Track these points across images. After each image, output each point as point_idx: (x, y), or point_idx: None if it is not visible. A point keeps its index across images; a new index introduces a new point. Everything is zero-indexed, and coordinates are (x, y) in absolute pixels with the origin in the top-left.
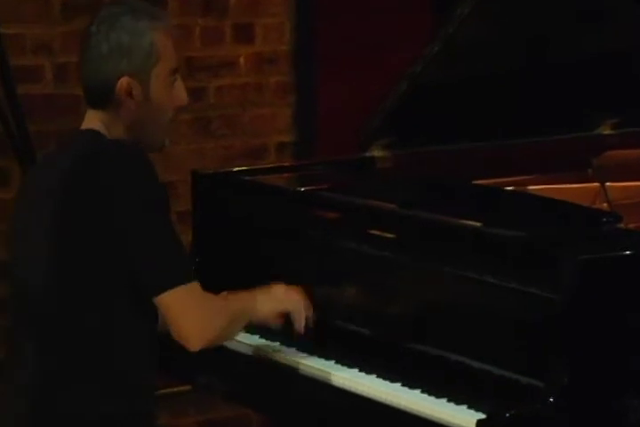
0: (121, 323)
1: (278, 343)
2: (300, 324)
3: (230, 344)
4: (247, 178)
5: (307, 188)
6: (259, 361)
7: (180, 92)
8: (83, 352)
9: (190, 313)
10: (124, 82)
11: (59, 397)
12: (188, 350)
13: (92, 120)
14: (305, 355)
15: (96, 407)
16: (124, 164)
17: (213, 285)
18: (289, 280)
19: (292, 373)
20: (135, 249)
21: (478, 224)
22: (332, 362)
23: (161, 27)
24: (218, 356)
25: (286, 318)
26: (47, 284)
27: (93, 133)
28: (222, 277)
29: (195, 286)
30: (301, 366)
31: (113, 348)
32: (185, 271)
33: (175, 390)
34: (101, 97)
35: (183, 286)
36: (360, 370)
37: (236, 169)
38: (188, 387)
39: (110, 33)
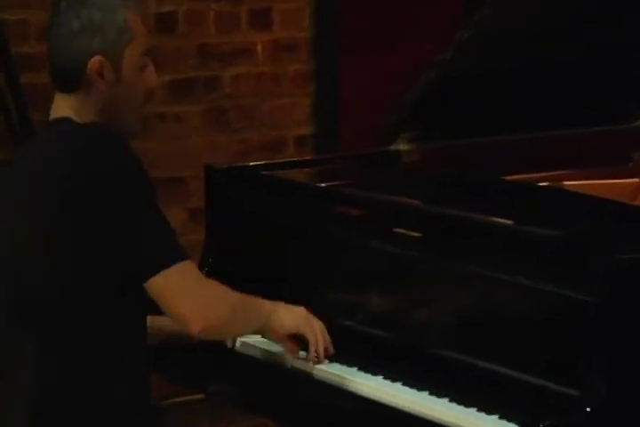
0: (120, 318)
1: (297, 350)
2: (314, 348)
3: (245, 349)
4: (264, 173)
5: (328, 183)
6: (276, 367)
7: (151, 75)
8: (83, 350)
9: (186, 291)
10: (95, 61)
11: (59, 396)
12: (191, 334)
13: (61, 107)
14: (326, 361)
15: (96, 406)
16: (105, 150)
17: (227, 285)
18: (308, 282)
19: (313, 380)
20: (123, 237)
21: (510, 222)
22: (355, 369)
23: (132, 5)
24: (231, 362)
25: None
26: (41, 283)
27: (66, 122)
28: (237, 278)
29: (187, 265)
30: (322, 373)
31: (112, 344)
32: (172, 252)
33: (186, 399)
34: (71, 78)
35: (174, 267)
36: (385, 377)
37: (253, 164)
38: (200, 396)
39: (81, 10)
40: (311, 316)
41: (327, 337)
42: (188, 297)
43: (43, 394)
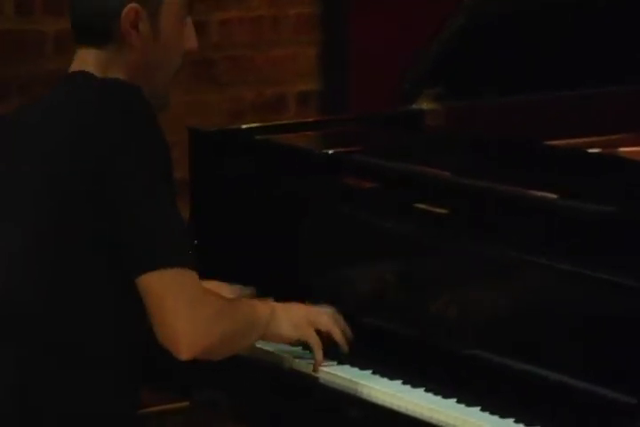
0: (111, 317)
1: (300, 348)
2: (319, 359)
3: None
4: (260, 138)
5: (335, 150)
6: (276, 370)
7: (192, 34)
8: (69, 351)
9: (181, 303)
10: (131, 10)
11: (45, 398)
12: (176, 357)
13: (84, 61)
14: (334, 363)
15: (83, 407)
16: (122, 114)
17: (215, 275)
18: (312, 268)
19: (319, 385)
20: (125, 222)
21: (554, 196)
22: (369, 372)
23: None
24: (223, 364)
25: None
26: (26, 278)
27: (85, 77)
28: (226, 265)
29: (190, 274)
30: (330, 378)
31: (100, 344)
32: (180, 253)
33: (170, 407)
34: (100, 29)
35: (172, 270)
36: (404, 382)
37: (246, 126)
38: (185, 403)
39: None
40: (319, 309)
41: (345, 329)
42: (184, 311)
43: (28, 395)
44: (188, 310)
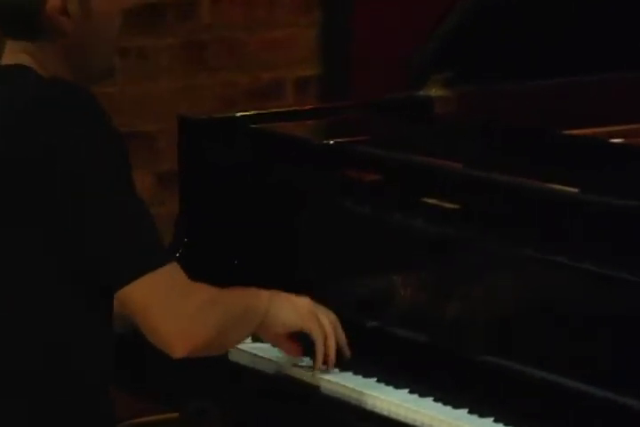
0: (77, 330)
1: (300, 354)
2: (322, 352)
3: (233, 356)
4: (255, 126)
5: (337, 140)
6: (273, 379)
7: None
8: (28, 366)
9: (171, 303)
10: None
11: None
12: (171, 355)
13: (17, 54)
14: (337, 371)
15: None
16: (76, 117)
17: (207, 276)
18: (312, 267)
19: (319, 395)
20: (91, 229)
21: (575, 190)
22: (373, 380)
23: None
24: (215, 371)
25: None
26: None
27: (24, 72)
28: (220, 263)
29: (172, 270)
30: (332, 386)
31: (66, 360)
32: (155, 252)
33: (159, 417)
34: (25, 23)
35: (158, 271)
36: (411, 391)
37: (240, 114)
38: (174, 415)
39: None
40: (320, 308)
41: (342, 336)
42: (172, 311)
43: None
44: (177, 306)
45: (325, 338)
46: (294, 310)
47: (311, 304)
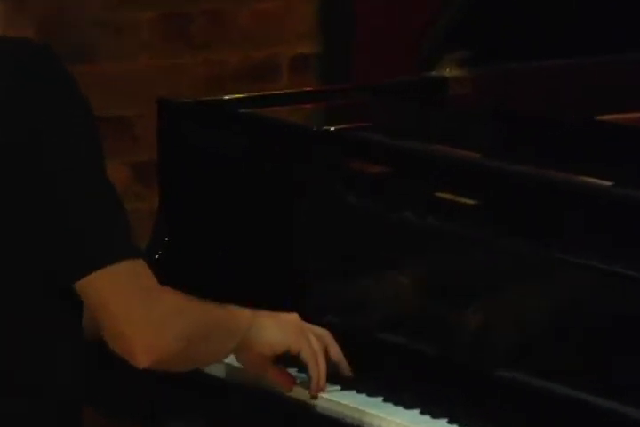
0: (44, 336)
1: (295, 370)
2: (316, 375)
3: (216, 370)
4: (246, 111)
5: (339, 126)
6: (264, 397)
7: None
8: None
9: (128, 305)
10: None
11: None
12: (133, 364)
13: None
14: (337, 388)
15: None
16: (41, 79)
17: (191, 281)
18: (309, 269)
19: (317, 415)
20: (52, 211)
21: (608, 184)
22: (379, 399)
23: None
24: (197, 388)
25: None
26: None
27: None
28: (204, 266)
29: (138, 266)
30: (331, 406)
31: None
32: (123, 243)
33: None
34: None
35: (122, 264)
36: (422, 412)
37: (229, 97)
38: None
39: None
40: (309, 326)
41: (338, 353)
42: (133, 314)
43: None
44: (140, 308)
45: (317, 360)
46: (280, 327)
47: (299, 321)
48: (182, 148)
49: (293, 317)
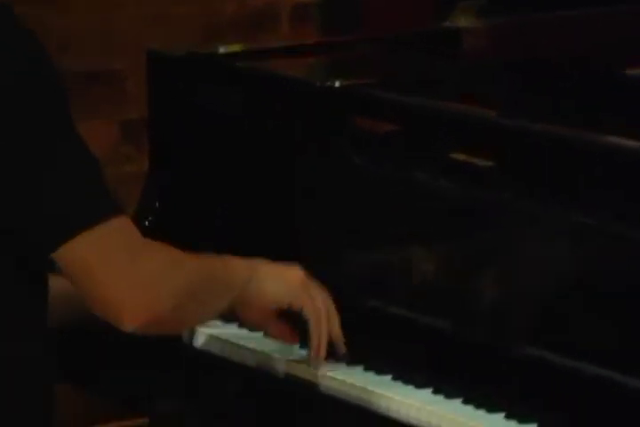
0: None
1: (298, 346)
2: (317, 336)
3: (210, 346)
4: (243, 65)
5: (344, 81)
6: (262, 375)
7: None
8: None
9: (120, 263)
10: None
11: None
12: (119, 328)
13: None
14: (342, 366)
15: None
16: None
17: (183, 246)
18: (311, 236)
19: (319, 395)
20: (21, 179)
21: (636, 144)
22: (388, 378)
23: None
24: (189, 367)
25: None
26: None
27: None
28: (199, 232)
29: (121, 223)
30: (336, 385)
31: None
32: (99, 202)
33: (125, 424)
34: None
35: (102, 226)
36: (435, 391)
37: (226, 49)
38: (141, 421)
39: None
40: (316, 284)
41: (336, 325)
42: (120, 273)
43: None
44: (127, 267)
45: (320, 318)
46: (282, 280)
47: (302, 274)
48: (175, 105)
49: (296, 269)
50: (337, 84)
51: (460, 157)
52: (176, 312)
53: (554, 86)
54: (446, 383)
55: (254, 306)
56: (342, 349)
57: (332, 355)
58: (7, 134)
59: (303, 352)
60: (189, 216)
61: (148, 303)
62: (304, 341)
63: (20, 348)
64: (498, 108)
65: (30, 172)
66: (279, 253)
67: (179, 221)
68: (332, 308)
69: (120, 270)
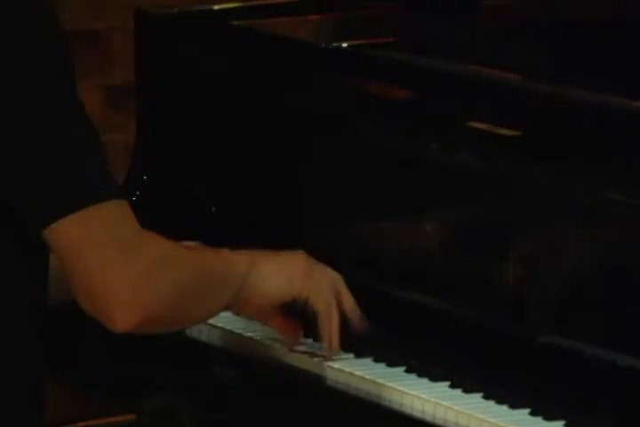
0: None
1: (301, 334)
2: (328, 332)
3: (205, 335)
4: (240, 23)
5: (353, 42)
6: (262, 366)
7: None
8: None
9: (107, 254)
10: None
11: None
12: (110, 328)
13: None
14: (350, 356)
15: None
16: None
17: (172, 228)
18: (318, 214)
19: (326, 389)
20: (15, 151)
21: None
22: (401, 370)
23: None
24: (182, 358)
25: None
26: None
27: None
28: (190, 212)
29: (117, 210)
30: (344, 378)
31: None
32: (99, 182)
33: (110, 420)
34: None
35: (98, 206)
36: (453, 385)
37: (220, 7)
38: (130, 416)
39: None
40: (322, 268)
41: (352, 304)
42: (112, 263)
43: None
44: (120, 256)
45: (331, 312)
46: (283, 272)
47: (306, 262)
48: (164, 68)
49: (299, 257)
50: (344, 44)
51: (481, 126)
52: (171, 312)
53: (583, 46)
54: (464, 376)
55: (254, 302)
56: (363, 327)
57: (352, 338)
58: (5, 100)
59: (308, 342)
60: (180, 189)
61: (142, 301)
62: (311, 331)
63: (16, 328)
64: (522, 73)
65: (27, 141)
66: (282, 234)
67: (168, 196)
68: (344, 287)
69: (111, 260)
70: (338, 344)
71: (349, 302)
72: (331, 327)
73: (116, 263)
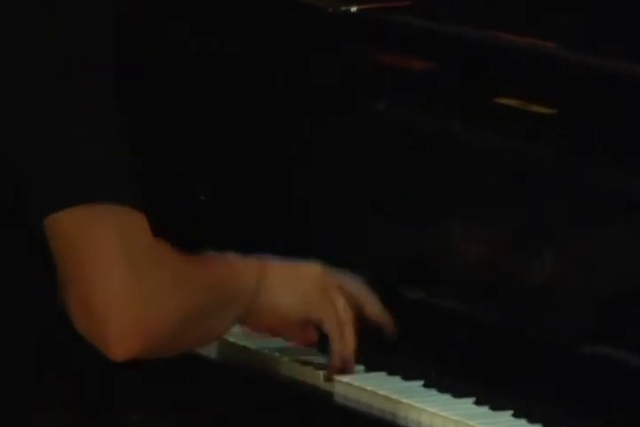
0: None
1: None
2: (339, 353)
3: (206, 346)
4: None
5: (363, 6)
6: (264, 381)
7: None
8: None
9: (114, 266)
10: None
11: None
12: (107, 354)
13: None
14: (361, 369)
15: None
16: None
17: (155, 221)
18: (328, 207)
19: (334, 405)
20: (25, 134)
21: None
22: (419, 384)
23: None
24: (175, 369)
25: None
26: None
27: None
28: (186, 205)
29: (131, 217)
30: (354, 393)
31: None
32: (112, 182)
33: None
34: None
35: (102, 206)
36: (478, 402)
37: None
38: None
39: None
40: (337, 279)
41: (377, 307)
42: (118, 274)
43: None
44: (128, 271)
45: (343, 329)
46: (296, 288)
47: (321, 275)
48: (150, 32)
49: (314, 272)
50: (354, 8)
51: (508, 101)
52: (175, 337)
53: (626, 13)
54: (491, 392)
55: (263, 320)
56: (392, 332)
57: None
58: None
59: (315, 353)
60: (174, 181)
61: (145, 324)
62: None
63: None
64: (556, 41)
65: (26, 141)
66: (280, 227)
67: (150, 184)
68: (368, 294)
69: (116, 273)
70: (350, 367)
71: (375, 308)
72: (341, 351)
73: (122, 278)
